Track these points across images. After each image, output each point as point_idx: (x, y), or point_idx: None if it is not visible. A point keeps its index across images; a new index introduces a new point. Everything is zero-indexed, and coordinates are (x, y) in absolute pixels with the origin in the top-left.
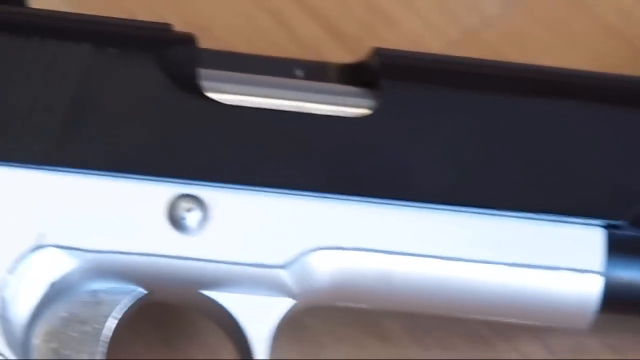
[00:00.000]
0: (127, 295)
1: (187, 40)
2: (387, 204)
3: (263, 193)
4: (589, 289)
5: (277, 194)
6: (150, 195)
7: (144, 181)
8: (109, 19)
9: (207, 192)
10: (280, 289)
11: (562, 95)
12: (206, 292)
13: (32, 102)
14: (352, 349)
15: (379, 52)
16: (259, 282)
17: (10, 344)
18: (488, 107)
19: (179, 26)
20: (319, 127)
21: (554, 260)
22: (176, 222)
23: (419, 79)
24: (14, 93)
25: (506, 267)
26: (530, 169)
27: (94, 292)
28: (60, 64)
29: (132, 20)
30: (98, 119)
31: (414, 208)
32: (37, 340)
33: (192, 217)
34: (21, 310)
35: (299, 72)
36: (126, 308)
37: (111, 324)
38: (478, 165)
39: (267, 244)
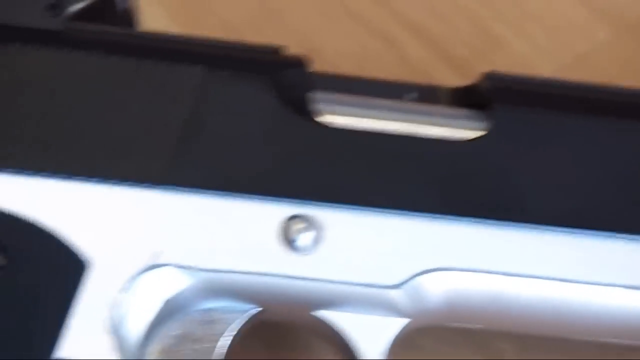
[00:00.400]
0: (241, 313)
1: (299, 63)
2: (499, 225)
3: (375, 214)
4: None
5: (390, 215)
6: (263, 215)
7: (258, 201)
8: (221, 41)
9: (320, 213)
10: (393, 309)
11: None
12: (319, 312)
13: (146, 123)
14: None
15: (490, 76)
16: (371, 302)
17: None
18: (599, 131)
19: (291, 49)
20: (431, 149)
21: None
22: (289, 242)
23: (530, 102)
24: (128, 115)
25: (621, 289)
26: None
27: (208, 311)
28: (173, 85)
29: (245, 43)
30: (211, 140)
31: (526, 229)
32: (151, 357)
33: (305, 237)
34: (136, 327)
35: (410, 96)
36: (239, 327)
37: (224, 342)
38: (590, 188)
39: (380, 264)
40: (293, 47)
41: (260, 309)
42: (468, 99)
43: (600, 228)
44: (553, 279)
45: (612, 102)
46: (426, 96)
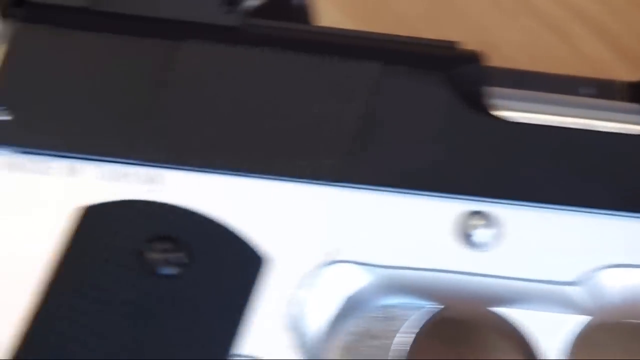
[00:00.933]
0: (419, 310)
1: (475, 58)
2: None
3: (552, 210)
4: None
5: (567, 212)
6: (440, 212)
7: (435, 198)
8: (397, 37)
9: (498, 209)
10: (572, 306)
11: None
12: (497, 309)
13: (322, 120)
14: None
15: None
16: (550, 298)
17: (306, 357)
18: None
19: (466, 44)
20: (606, 144)
21: None
22: (466, 238)
23: None
24: (304, 111)
25: None
26: None
27: (386, 307)
28: (350, 81)
29: (421, 38)
30: (387, 136)
31: None
32: (330, 354)
33: (482, 234)
34: (316, 324)
35: (584, 90)
36: (419, 323)
37: (404, 339)
38: None
39: (558, 260)
40: (468, 41)
41: (440, 306)
42: None
43: None
44: None
45: None
46: (602, 91)
